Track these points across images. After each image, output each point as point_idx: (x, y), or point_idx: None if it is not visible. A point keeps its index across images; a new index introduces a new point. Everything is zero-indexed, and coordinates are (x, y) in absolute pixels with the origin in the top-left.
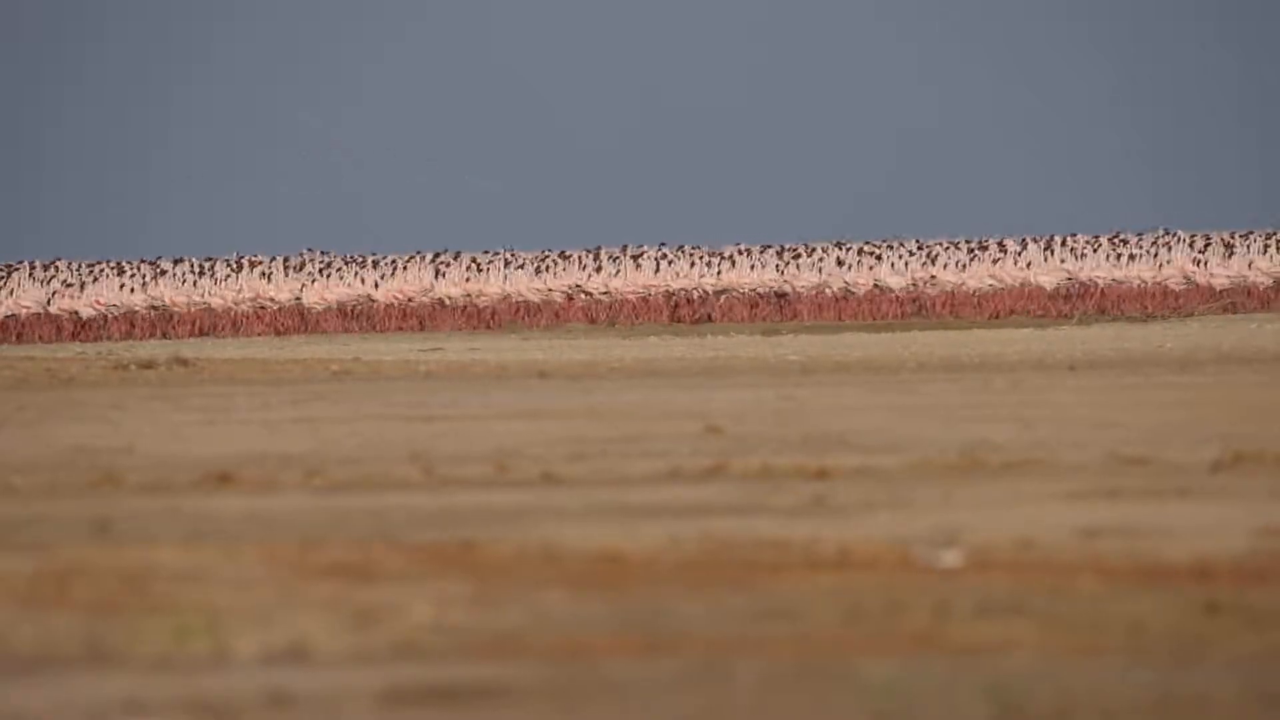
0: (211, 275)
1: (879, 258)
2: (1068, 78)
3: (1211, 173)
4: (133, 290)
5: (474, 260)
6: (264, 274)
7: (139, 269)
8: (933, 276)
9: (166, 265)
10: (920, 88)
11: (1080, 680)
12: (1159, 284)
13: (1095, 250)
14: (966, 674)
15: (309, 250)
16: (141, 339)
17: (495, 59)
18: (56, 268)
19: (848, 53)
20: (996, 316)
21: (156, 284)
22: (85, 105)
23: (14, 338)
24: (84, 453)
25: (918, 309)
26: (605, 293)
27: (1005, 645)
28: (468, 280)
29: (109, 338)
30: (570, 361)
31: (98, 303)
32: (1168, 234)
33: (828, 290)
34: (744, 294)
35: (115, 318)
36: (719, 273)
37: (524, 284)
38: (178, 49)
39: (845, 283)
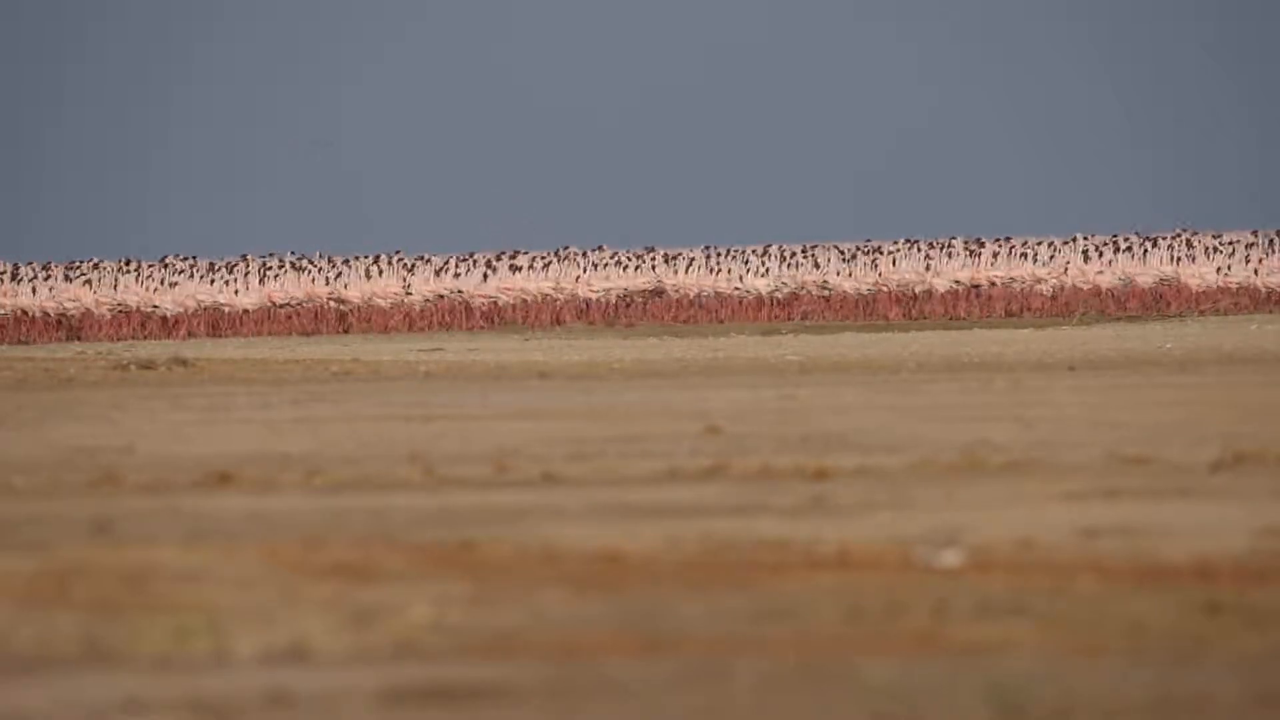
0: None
1: (746, 262)
2: (1068, 77)
3: (1211, 173)
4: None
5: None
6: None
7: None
8: (825, 281)
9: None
10: (920, 87)
11: (1080, 680)
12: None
13: (1006, 252)
14: (966, 674)
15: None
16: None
17: (495, 59)
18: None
19: (848, 52)
20: (886, 318)
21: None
22: (85, 105)
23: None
24: (84, 453)
25: (802, 313)
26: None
27: (1005, 645)
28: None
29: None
30: (570, 362)
31: None
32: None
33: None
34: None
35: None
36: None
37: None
38: (178, 49)
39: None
